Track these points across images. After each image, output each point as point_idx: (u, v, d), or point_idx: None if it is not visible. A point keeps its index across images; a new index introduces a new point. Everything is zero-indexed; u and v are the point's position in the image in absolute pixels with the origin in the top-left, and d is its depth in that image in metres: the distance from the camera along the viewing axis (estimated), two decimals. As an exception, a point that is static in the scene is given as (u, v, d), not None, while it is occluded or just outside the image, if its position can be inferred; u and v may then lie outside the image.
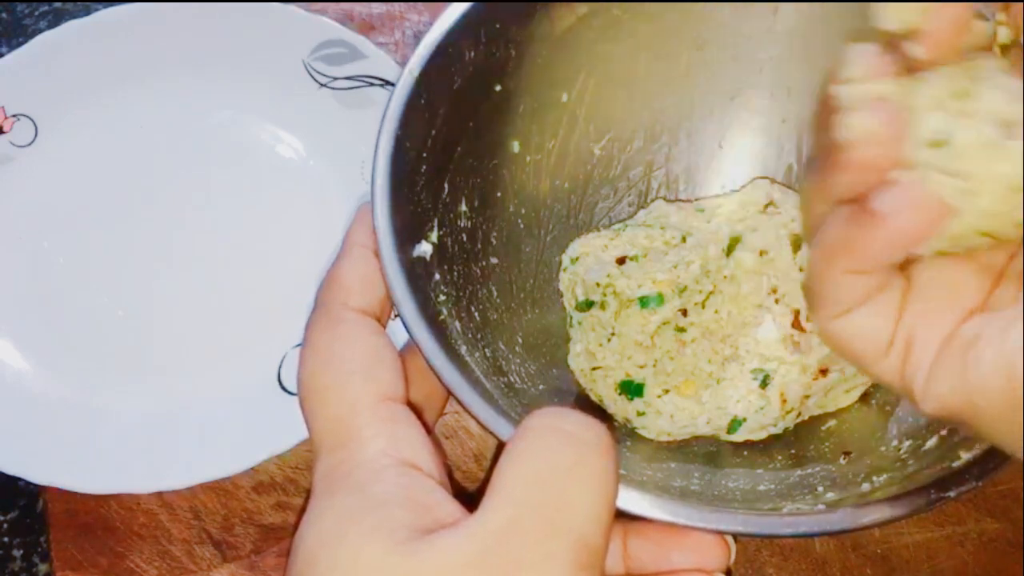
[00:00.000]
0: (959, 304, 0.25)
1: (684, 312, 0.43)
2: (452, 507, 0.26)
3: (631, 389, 0.43)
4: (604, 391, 0.44)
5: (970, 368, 0.23)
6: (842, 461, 0.39)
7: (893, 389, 0.27)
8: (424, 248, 0.38)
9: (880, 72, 0.24)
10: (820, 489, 0.36)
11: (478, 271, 0.42)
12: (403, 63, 0.38)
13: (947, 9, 0.23)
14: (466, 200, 0.42)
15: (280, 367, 0.48)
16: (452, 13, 0.39)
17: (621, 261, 0.45)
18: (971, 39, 0.24)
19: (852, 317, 0.26)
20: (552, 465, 0.25)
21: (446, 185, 0.41)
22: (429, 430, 0.32)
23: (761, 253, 0.43)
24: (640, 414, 0.43)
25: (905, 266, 0.26)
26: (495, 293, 0.43)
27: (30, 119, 0.54)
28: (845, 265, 0.25)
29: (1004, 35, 0.24)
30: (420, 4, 0.59)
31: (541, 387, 0.42)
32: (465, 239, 0.42)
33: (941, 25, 0.23)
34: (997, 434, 0.24)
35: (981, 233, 0.24)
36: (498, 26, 0.40)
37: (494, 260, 0.44)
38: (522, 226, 0.45)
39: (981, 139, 0.23)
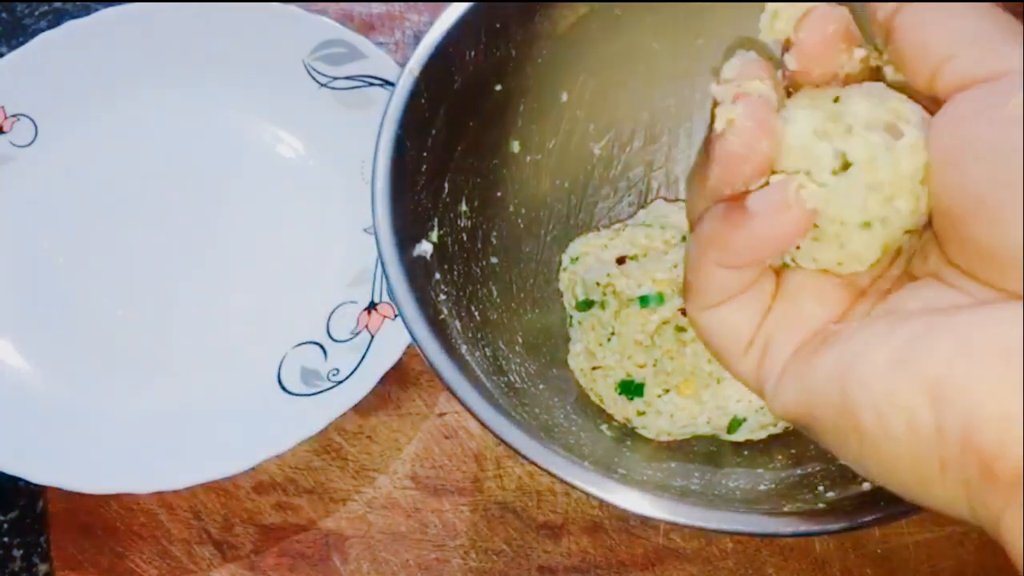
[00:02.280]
0: (818, 314, 0.26)
1: (684, 311, 0.43)
2: None
3: (631, 389, 0.43)
4: (604, 391, 0.44)
5: (809, 376, 0.24)
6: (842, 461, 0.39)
7: (750, 389, 0.27)
8: (424, 247, 0.38)
9: (753, 74, 0.24)
10: (820, 488, 0.36)
11: (478, 271, 0.42)
12: (403, 63, 0.38)
13: (817, 21, 0.24)
14: (466, 200, 0.42)
15: (280, 367, 0.48)
16: (452, 13, 0.39)
17: (621, 261, 0.45)
18: (850, 66, 0.25)
19: (718, 311, 0.26)
20: None
21: (446, 185, 0.41)
22: None
23: (761, 253, 0.43)
24: (640, 414, 0.43)
25: (781, 269, 0.27)
26: (495, 293, 0.43)
27: (30, 119, 0.54)
28: (715, 258, 0.25)
29: (890, 74, 0.25)
30: (420, 4, 0.59)
31: (541, 387, 0.42)
32: (465, 239, 0.42)
33: (812, 37, 0.24)
34: (831, 445, 0.24)
35: (907, 231, 0.24)
36: (498, 26, 0.40)
37: (494, 260, 0.44)
38: (522, 226, 0.45)
39: (873, 149, 0.23)
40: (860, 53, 0.25)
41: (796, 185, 0.23)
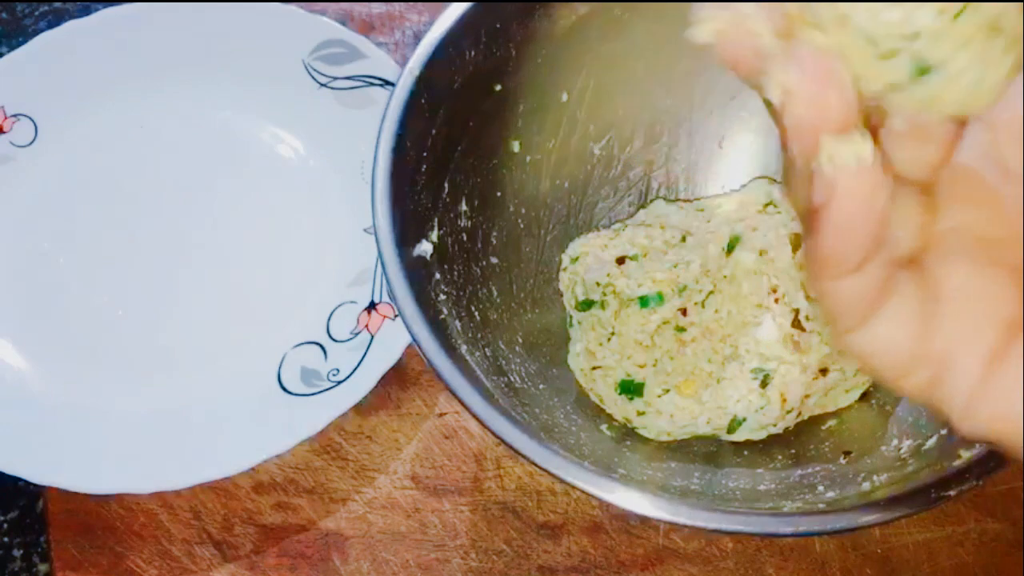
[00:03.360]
0: (996, 316, 0.23)
1: (684, 311, 0.43)
2: None
3: (631, 388, 0.43)
4: (604, 391, 0.44)
5: None
6: (842, 461, 0.39)
7: (922, 405, 0.25)
8: (424, 247, 0.38)
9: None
10: (820, 489, 0.36)
11: (478, 271, 0.42)
12: (403, 63, 0.38)
13: None
14: (466, 200, 0.42)
15: (280, 367, 0.48)
16: (452, 13, 0.39)
17: (621, 261, 0.45)
18: None
19: (869, 331, 0.24)
20: None
21: (446, 185, 0.41)
22: None
23: (761, 253, 0.43)
24: (640, 414, 0.43)
25: (921, 279, 0.24)
26: (495, 293, 0.43)
27: (30, 119, 0.54)
28: (828, 273, 0.23)
29: None
30: (420, 4, 0.59)
31: (541, 387, 0.42)
32: (465, 239, 0.42)
33: None
34: None
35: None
36: (498, 26, 0.40)
37: (494, 260, 0.44)
38: (522, 226, 0.46)
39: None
40: None
41: (826, 156, 0.20)
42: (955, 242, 0.24)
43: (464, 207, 0.42)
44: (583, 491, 0.32)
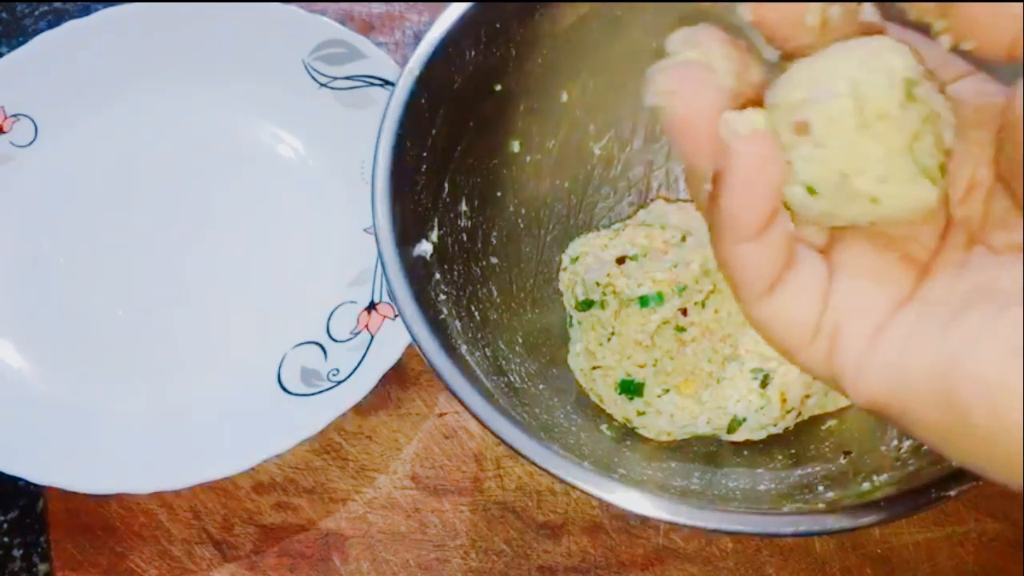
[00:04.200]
0: (887, 293, 0.25)
1: (684, 311, 0.43)
2: None
3: (631, 388, 0.43)
4: (604, 391, 0.44)
5: (904, 365, 0.23)
6: (842, 461, 0.39)
7: (819, 378, 0.26)
8: (424, 247, 0.38)
9: (697, 42, 0.24)
10: (820, 488, 0.36)
11: (478, 271, 0.42)
12: (403, 63, 0.38)
13: None
14: (466, 200, 0.42)
15: (280, 367, 0.48)
16: (452, 13, 0.39)
17: (621, 261, 0.45)
18: (832, 23, 0.24)
19: (772, 303, 0.25)
20: None
21: (446, 185, 0.41)
22: None
23: (761, 253, 0.43)
24: (640, 414, 0.43)
25: (826, 251, 0.26)
26: (495, 293, 0.43)
27: (30, 119, 0.54)
28: (727, 238, 0.24)
29: (870, 13, 0.24)
30: (420, 4, 0.59)
31: (541, 387, 0.42)
32: (465, 239, 0.42)
33: (773, 13, 0.24)
34: (928, 437, 0.23)
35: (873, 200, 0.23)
36: (498, 26, 0.40)
37: (494, 260, 0.44)
38: (522, 226, 0.45)
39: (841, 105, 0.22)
40: (835, 11, 0.23)
41: (723, 122, 0.23)
42: (856, 227, 0.25)
43: (464, 207, 0.42)
44: (583, 491, 0.32)
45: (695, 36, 0.24)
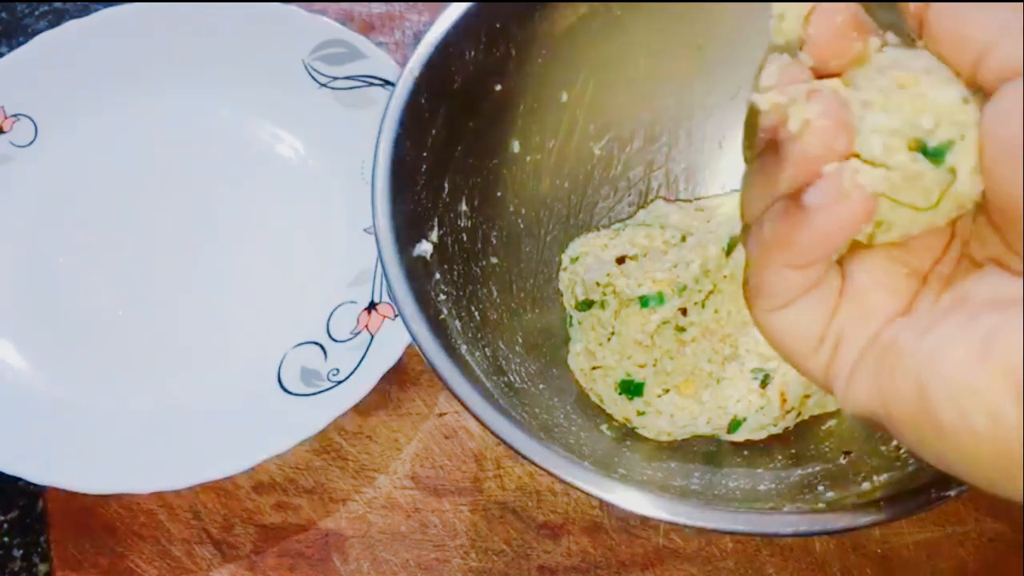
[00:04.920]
0: (889, 306, 0.25)
1: (684, 311, 0.43)
2: None
3: (631, 388, 0.43)
4: (604, 391, 0.44)
5: (885, 372, 0.24)
6: (842, 461, 0.39)
7: (820, 387, 0.27)
8: (424, 247, 0.38)
9: (795, 77, 0.24)
10: (820, 489, 0.36)
11: (478, 271, 0.42)
12: (403, 63, 0.38)
13: (825, 14, 0.24)
14: (466, 200, 0.42)
15: (280, 367, 0.48)
16: (452, 13, 0.39)
17: (621, 261, 0.45)
18: (864, 53, 0.24)
19: (787, 312, 0.26)
20: None
21: (446, 185, 0.41)
22: None
23: (761, 253, 0.43)
24: (640, 414, 0.43)
25: (842, 260, 0.27)
26: (495, 293, 0.43)
27: (30, 119, 0.54)
28: (781, 259, 0.25)
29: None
30: (420, 4, 0.59)
31: (541, 387, 0.42)
32: (465, 239, 0.42)
33: (822, 31, 0.24)
34: (908, 440, 0.24)
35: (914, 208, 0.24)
36: (498, 26, 0.40)
37: (494, 260, 0.44)
38: (522, 226, 0.46)
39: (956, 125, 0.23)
40: (875, 42, 0.24)
41: (851, 171, 0.23)
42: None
43: (464, 207, 0.42)
44: (583, 491, 0.32)
45: (794, 70, 0.24)
